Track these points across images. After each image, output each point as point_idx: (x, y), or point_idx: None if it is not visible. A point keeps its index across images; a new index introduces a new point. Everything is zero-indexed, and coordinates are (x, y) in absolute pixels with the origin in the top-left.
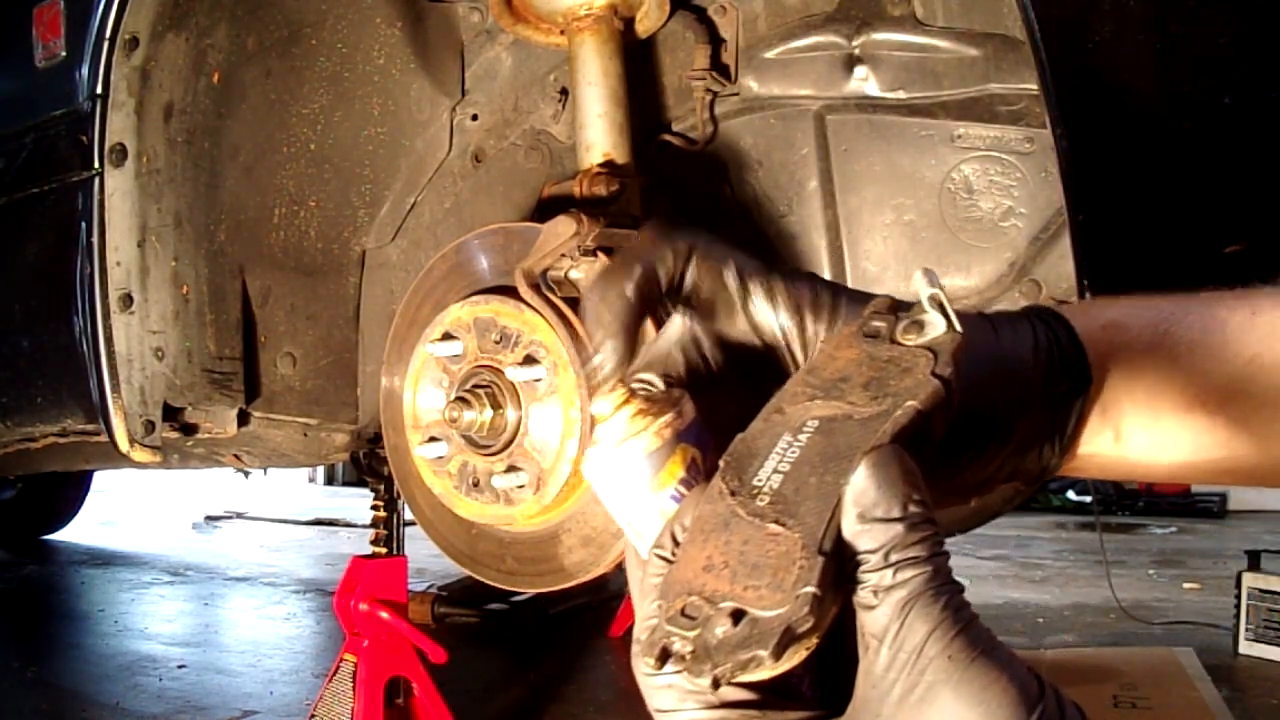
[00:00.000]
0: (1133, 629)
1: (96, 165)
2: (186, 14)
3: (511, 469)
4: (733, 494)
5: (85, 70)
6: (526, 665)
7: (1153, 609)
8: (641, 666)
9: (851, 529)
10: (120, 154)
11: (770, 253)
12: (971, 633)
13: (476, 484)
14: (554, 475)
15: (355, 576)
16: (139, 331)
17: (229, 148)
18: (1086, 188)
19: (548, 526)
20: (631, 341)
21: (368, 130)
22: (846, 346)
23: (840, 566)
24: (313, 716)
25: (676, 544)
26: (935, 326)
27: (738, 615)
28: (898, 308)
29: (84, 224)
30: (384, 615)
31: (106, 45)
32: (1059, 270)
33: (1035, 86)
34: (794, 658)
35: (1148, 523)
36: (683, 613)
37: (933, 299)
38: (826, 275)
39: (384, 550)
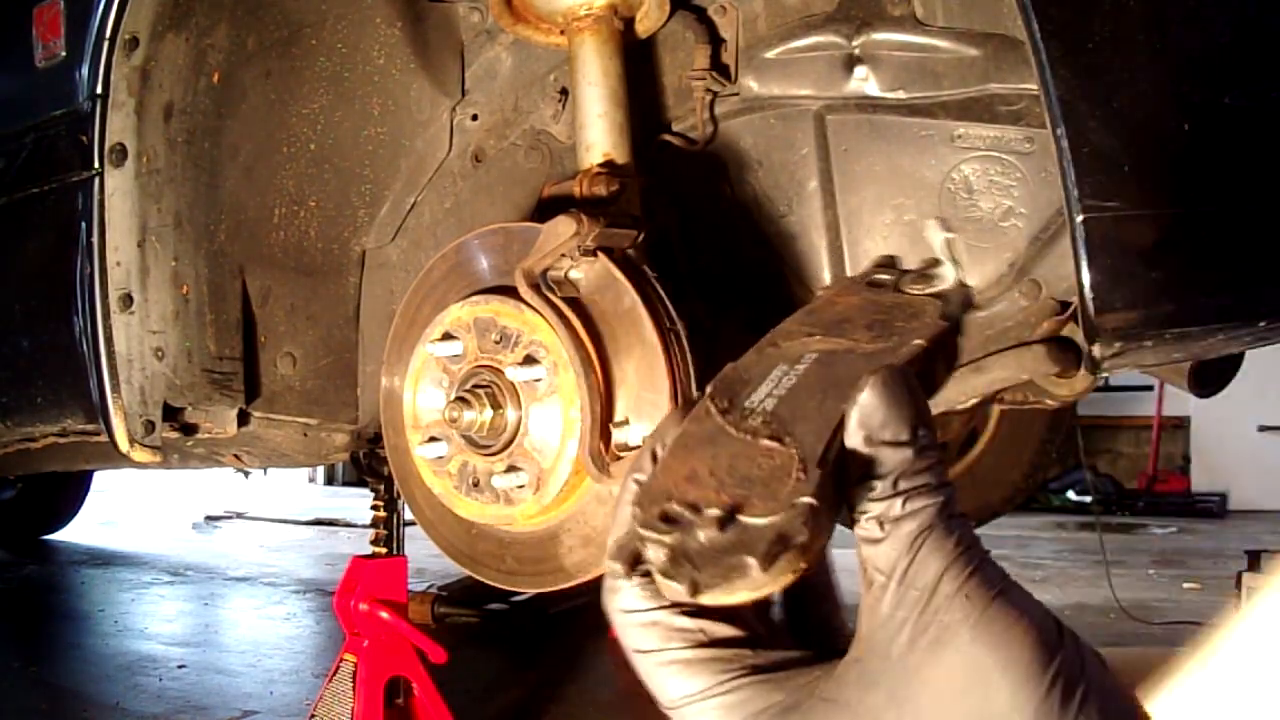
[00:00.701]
0: (1133, 629)
1: (96, 165)
2: (186, 14)
3: (511, 469)
4: (722, 413)
5: (85, 70)
6: (526, 665)
7: (1153, 609)
8: (619, 595)
9: (858, 450)
10: (120, 154)
11: (770, 253)
12: (987, 570)
13: (476, 484)
14: (554, 475)
15: (355, 576)
16: (139, 331)
17: (229, 148)
18: (1087, 188)
19: (548, 526)
20: None
21: (368, 130)
22: (848, 293)
23: (840, 491)
24: (313, 716)
25: (655, 464)
26: (944, 278)
27: (725, 521)
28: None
29: (84, 224)
30: (384, 615)
31: (106, 45)
32: (1059, 270)
33: (1035, 86)
34: (781, 577)
35: (1148, 523)
36: (661, 517)
37: (949, 244)
38: (826, 275)
39: (384, 550)
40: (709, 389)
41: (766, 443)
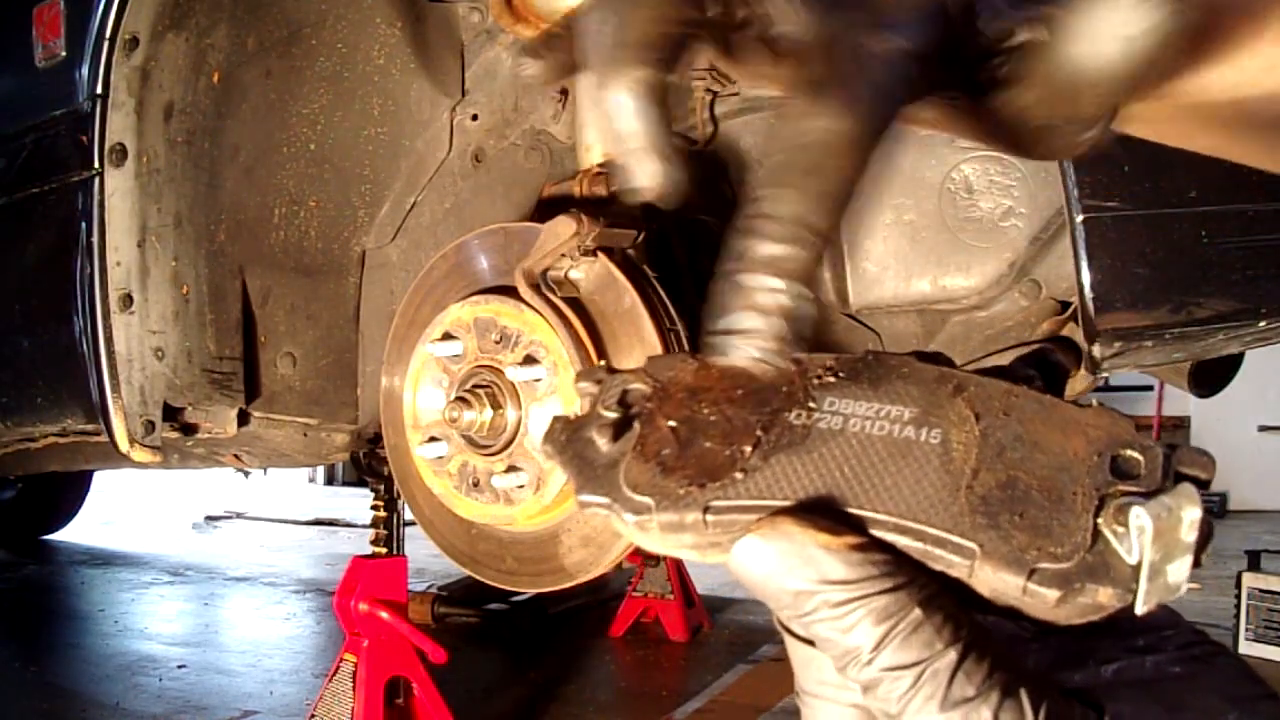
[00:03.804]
0: None
1: (96, 165)
2: (186, 14)
3: (511, 469)
4: (789, 397)
5: (85, 70)
6: (526, 665)
7: None
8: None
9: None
10: (120, 154)
11: None
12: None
13: (476, 484)
14: (554, 475)
15: (355, 576)
16: (139, 331)
17: (229, 148)
18: (1086, 188)
19: (548, 526)
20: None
21: (368, 130)
22: (1079, 435)
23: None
24: (313, 716)
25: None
26: (1129, 545)
27: (619, 431)
28: (1170, 466)
29: (84, 224)
30: (384, 615)
31: (106, 45)
32: (1059, 270)
33: None
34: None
35: None
36: (618, 403)
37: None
38: (826, 275)
39: (384, 550)
40: (830, 363)
41: (745, 448)
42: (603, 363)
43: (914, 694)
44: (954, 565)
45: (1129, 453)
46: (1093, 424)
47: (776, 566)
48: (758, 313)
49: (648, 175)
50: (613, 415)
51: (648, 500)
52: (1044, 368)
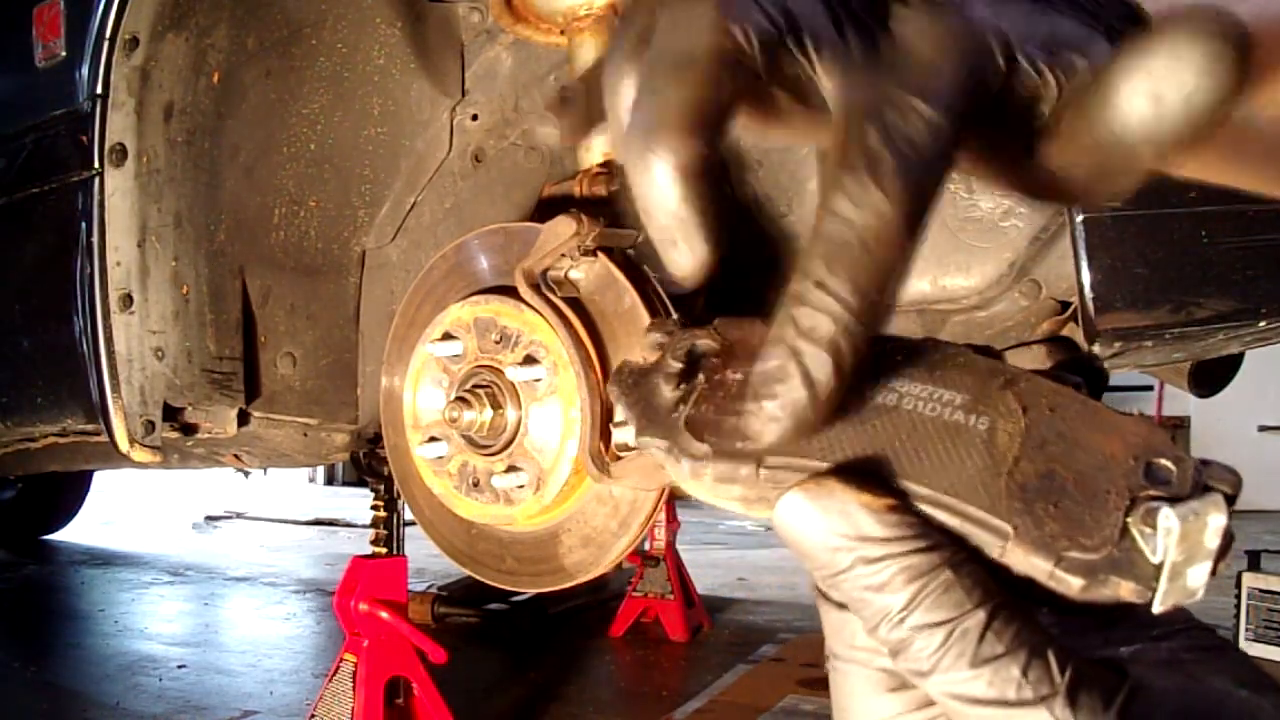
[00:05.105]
0: None
1: (96, 165)
2: (186, 14)
3: (511, 469)
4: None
5: (85, 70)
6: (526, 665)
7: None
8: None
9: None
10: (120, 154)
11: (770, 253)
12: None
13: (476, 484)
14: (554, 475)
15: (355, 576)
16: (139, 331)
17: (229, 148)
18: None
19: (548, 526)
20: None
21: (368, 130)
22: (1117, 439)
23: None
24: (313, 716)
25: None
26: (1155, 545)
27: (680, 380)
28: (1200, 478)
29: (84, 224)
30: (384, 615)
31: (106, 45)
32: (1059, 270)
33: None
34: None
35: None
36: (685, 355)
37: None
38: None
39: (384, 550)
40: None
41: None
42: (675, 316)
43: (944, 652)
44: (987, 544)
45: (1163, 461)
46: (1131, 430)
47: (817, 522)
48: (793, 381)
49: (687, 262)
50: (679, 365)
51: (705, 448)
52: (1088, 373)
